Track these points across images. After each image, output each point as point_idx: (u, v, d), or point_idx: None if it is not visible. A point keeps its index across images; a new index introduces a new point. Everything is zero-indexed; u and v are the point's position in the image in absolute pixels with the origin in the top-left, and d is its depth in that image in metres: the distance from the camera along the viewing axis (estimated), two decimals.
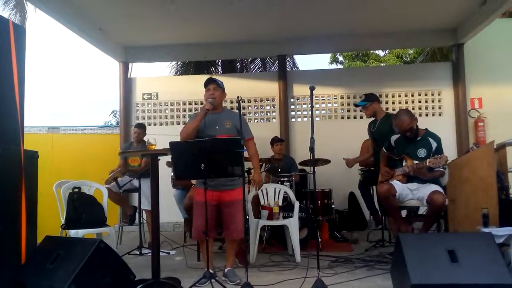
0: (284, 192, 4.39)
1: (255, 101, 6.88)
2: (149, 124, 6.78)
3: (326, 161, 5.20)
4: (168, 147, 3.00)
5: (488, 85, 6.30)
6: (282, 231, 4.44)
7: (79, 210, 3.98)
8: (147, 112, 6.99)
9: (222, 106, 3.60)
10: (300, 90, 6.69)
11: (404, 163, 3.87)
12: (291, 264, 3.83)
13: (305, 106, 6.81)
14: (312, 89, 3.23)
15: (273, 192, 4.32)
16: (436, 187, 3.62)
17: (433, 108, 6.51)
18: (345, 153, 5.05)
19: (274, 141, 5.60)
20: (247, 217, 3.66)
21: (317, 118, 6.78)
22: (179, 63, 11.21)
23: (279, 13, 5.55)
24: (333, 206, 4.99)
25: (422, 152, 3.74)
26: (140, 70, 19.55)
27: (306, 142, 3.27)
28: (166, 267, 3.64)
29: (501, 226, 3.11)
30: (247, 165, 3.56)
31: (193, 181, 4.33)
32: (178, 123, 6.84)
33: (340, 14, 5.68)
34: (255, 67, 12.19)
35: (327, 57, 16.43)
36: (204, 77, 3.80)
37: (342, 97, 6.71)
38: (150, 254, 3.31)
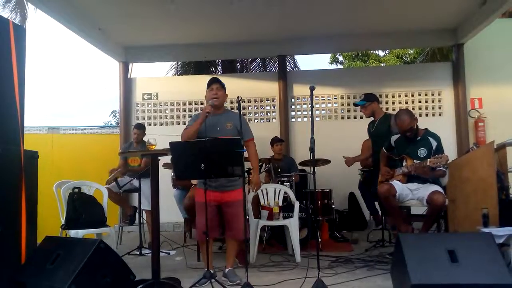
0: (284, 192, 4.39)
1: (255, 101, 6.88)
2: (149, 124, 6.79)
3: (326, 161, 5.20)
4: (168, 147, 3.00)
5: (488, 85, 6.31)
6: (282, 231, 4.44)
7: (79, 210, 3.98)
8: (147, 112, 6.99)
9: (224, 107, 3.60)
10: (300, 90, 6.69)
11: (404, 163, 3.87)
12: (291, 264, 3.83)
13: (305, 106, 6.81)
14: (312, 89, 3.22)
15: (273, 192, 4.31)
16: (436, 187, 3.62)
17: (433, 108, 6.51)
18: (345, 153, 5.05)
19: (274, 141, 5.60)
20: (247, 217, 3.66)
21: (317, 118, 6.78)
22: (179, 63, 11.21)
23: (279, 13, 5.55)
24: (333, 206, 4.99)
25: (422, 152, 3.74)
26: (140, 70, 19.56)
27: (306, 142, 3.27)
28: (166, 267, 3.63)
29: (501, 226, 3.11)
30: (247, 165, 3.56)
31: (194, 181, 4.33)
32: (178, 123, 6.84)
33: (340, 14, 5.68)
34: (255, 67, 12.20)
35: (327, 57, 16.44)
36: (204, 77, 3.81)
37: (342, 97, 6.71)
38: (150, 254, 3.31)
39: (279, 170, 5.20)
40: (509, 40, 6.33)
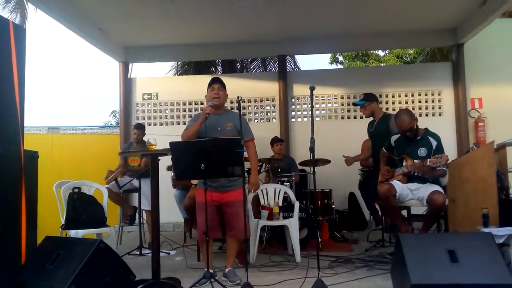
0: (284, 192, 4.39)
1: (255, 101, 6.88)
2: (149, 124, 6.79)
3: (326, 161, 5.20)
4: (168, 147, 3.00)
5: (488, 85, 6.31)
6: (282, 231, 4.44)
7: (79, 210, 3.98)
8: (147, 112, 6.99)
9: (224, 107, 3.60)
10: (300, 90, 6.69)
11: (404, 163, 3.87)
12: (291, 264, 3.83)
13: (305, 106, 6.81)
14: (312, 89, 3.22)
15: (273, 192, 4.31)
16: (436, 187, 3.62)
17: (433, 108, 6.51)
18: (345, 153, 5.05)
19: (274, 141, 5.60)
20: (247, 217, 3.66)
21: (317, 118, 6.78)
22: (179, 63, 11.22)
23: (279, 13, 5.55)
24: (333, 206, 4.99)
25: (422, 151, 3.74)
26: (140, 70, 19.56)
27: (306, 142, 3.26)
28: (166, 267, 3.63)
29: (501, 226, 3.11)
30: (247, 165, 3.56)
31: (194, 182, 4.33)
32: (178, 123, 6.84)
33: (340, 14, 5.68)
34: (255, 67, 12.21)
35: (327, 57, 16.45)
36: (204, 77, 3.81)
37: (342, 97, 6.71)
38: (150, 254, 3.31)
39: (279, 170, 5.20)
40: (509, 40, 6.33)
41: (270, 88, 6.76)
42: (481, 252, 2.51)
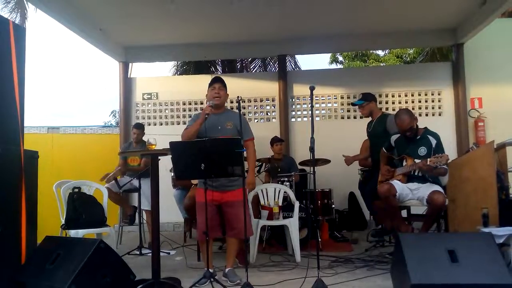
0: (284, 192, 4.39)
1: (255, 101, 6.88)
2: (149, 124, 6.79)
3: (326, 161, 5.20)
4: (168, 147, 3.00)
5: (488, 85, 6.31)
6: (282, 231, 4.44)
7: (79, 210, 3.98)
8: (147, 112, 6.99)
9: (224, 107, 3.61)
10: (300, 90, 6.69)
11: (404, 163, 3.87)
12: (291, 264, 3.83)
13: (305, 106, 6.81)
14: (312, 89, 3.22)
15: (273, 192, 4.31)
16: (436, 187, 3.62)
17: (433, 108, 6.51)
18: (345, 153, 5.05)
19: (274, 141, 5.60)
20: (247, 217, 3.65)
21: (317, 118, 6.78)
22: (179, 63, 11.22)
23: (279, 13, 5.55)
24: (333, 206, 4.99)
25: (422, 151, 3.74)
26: (140, 70, 19.56)
27: (306, 142, 3.26)
28: (166, 267, 3.64)
29: (501, 226, 3.11)
30: (247, 165, 3.56)
31: (194, 181, 4.33)
32: (178, 123, 6.84)
33: (340, 14, 5.68)
34: (255, 67, 12.21)
35: (327, 57, 16.46)
36: (204, 77, 3.81)
37: (342, 97, 6.71)
38: (150, 254, 3.31)
39: (279, 170, 5.19)
40: (509, 40, 6.33)
41: (270, 88, 6.76)
42: (481, 252, 2.51)
